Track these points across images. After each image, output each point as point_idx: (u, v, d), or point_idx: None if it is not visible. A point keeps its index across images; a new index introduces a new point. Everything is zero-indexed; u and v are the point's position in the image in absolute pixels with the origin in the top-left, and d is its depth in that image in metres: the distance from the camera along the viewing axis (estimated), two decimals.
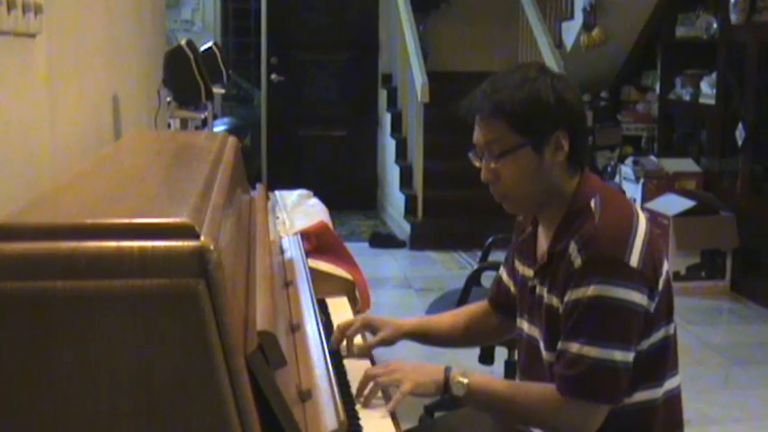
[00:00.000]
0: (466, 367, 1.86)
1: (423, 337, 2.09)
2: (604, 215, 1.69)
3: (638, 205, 1.82)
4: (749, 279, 5.35)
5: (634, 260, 1.64)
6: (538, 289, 1.78)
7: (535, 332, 1.81)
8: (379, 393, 1.78)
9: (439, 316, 2.17)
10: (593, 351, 1.63)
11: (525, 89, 1.69)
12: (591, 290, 1.63)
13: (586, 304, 1.63)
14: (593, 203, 1.71)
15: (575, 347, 1.65)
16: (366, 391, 1.76)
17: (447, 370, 1.77)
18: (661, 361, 1.75)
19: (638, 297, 1.64)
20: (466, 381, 1.75)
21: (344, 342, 2.02)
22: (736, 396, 3.91)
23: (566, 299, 1.67)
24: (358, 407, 1.74)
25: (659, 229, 5.40)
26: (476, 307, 2.12)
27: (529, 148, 1.71)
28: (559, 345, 1.69)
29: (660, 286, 1.69)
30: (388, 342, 2.04)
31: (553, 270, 1.72)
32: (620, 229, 1.67)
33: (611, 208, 1.71)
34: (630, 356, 1.65)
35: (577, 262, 1.65)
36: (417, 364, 1.84)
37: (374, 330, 2.05)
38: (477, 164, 1.78)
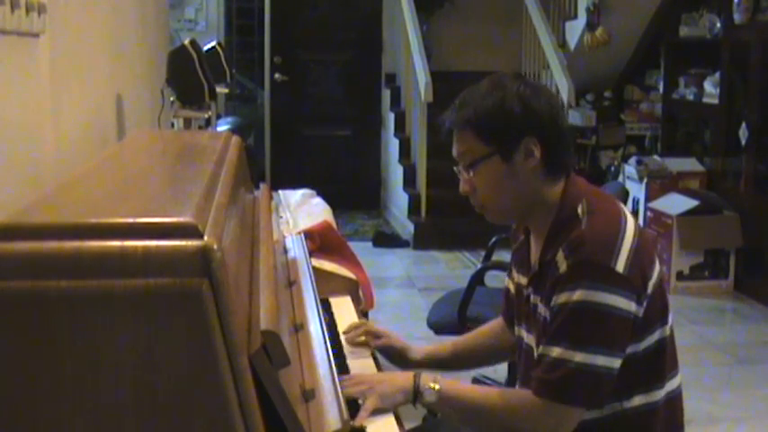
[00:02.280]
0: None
1: (439, 363, 2.05)
2: (591, 220, 1.68)
3: (626, 208, 1.80)
4: (753, 278, 5.35)
5: (620, 266, 1.63)
6: (532, 298, 1.77)
7: (531, 340, 1.80)
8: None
9: (456, 340, 2.12)
10: (576, 355, 1.61)
11: (490, 99, 1.71)
12: (576, 294, 1.62)
13: (571, 308, 1.62)
14: (579, 209, 1.70)
15: (556, 351, 1.63)
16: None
17: (416, 376, 1.73)
18: (659, 363, 1.74)
19: (624, 303, 1.62)
20: (437, 386, 1.71)
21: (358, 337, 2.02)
22: (739, 395, 3.91)
23: (551, 303, 1.66)
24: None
25: (663, 228, 5.40)
26: (492, 325, 2.10)
27: (497, 157, 1.72)
28: (540, 348, 1.67)
29: (649, 290, 1.68)
30: (397, 356, 2.02)
31: (543, 279, 1.72)
32: (607, 235, 1.66)
33: (597, 213, 1.70)
34: (615, 362, 1.63)
35: (563, 267, 1.64)
36: (385, 374, 1.81)
37: (391, 351, 2.03)
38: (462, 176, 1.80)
